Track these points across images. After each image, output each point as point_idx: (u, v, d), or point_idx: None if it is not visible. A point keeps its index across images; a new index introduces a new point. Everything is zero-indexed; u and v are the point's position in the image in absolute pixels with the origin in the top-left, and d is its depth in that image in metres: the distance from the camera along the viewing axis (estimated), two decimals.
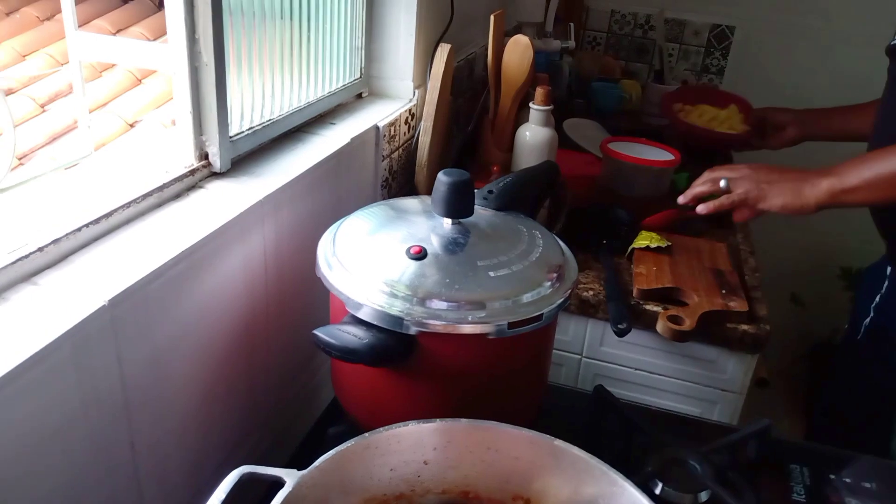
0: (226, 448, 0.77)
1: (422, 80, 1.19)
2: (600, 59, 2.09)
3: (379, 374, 0.70)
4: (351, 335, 0.65)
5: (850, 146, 1.30)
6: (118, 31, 1.41)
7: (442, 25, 1.22)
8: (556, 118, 1.29)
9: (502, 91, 1.29)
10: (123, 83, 1.26)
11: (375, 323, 0.66)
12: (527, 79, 1.26)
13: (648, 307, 1.08)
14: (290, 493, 0.51)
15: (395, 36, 1.15)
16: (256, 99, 0.85)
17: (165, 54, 0.72)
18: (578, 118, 1.72)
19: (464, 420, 0.61)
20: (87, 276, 0.58)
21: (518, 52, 1.25)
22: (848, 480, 0.80)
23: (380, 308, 0.65)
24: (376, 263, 0.69)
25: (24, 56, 1.34)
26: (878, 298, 1.27)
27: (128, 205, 0.66)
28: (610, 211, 1.30)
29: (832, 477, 0.81)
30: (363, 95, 1.15)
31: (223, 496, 0.51)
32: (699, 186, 1.16)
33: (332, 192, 0.92)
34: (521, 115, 1.30)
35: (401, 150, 1.15)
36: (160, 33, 0.69)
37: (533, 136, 1.23)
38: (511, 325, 0.66)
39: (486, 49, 1.28)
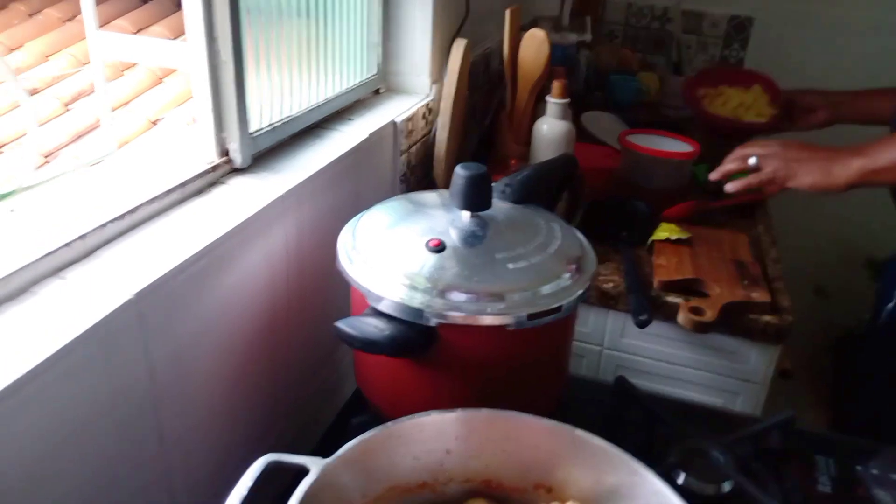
0: (252, 439, 0.78)
1: (438, 76, 1.19)
2: (618, 52, 2.08)
3: (400, 366, 0.70)
4: (372, 327, 0.65)
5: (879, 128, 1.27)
6: (139, 31, 1.43)
7: (458, 21, 1.23)
8: (574, 111, 1.29)
9: (519, 85, 1.29)
10: (145, 82, 1.28)
11: (396, 315, 0.66)
12: (543, 72, 1.25)
13: (669, 298, 1.07)
14: (315, 480, 0.52)
15: (412, 32, 1.15)
16: (275, 96, 0.86)
17: (185, 53, 0.73)
18: (596, 111, 1.71)
19: (485, 410, 0.61)
20: (113, 270, 0.59)
21: (534, 45, 1.25)
22: (875, 472, 0.79)
23: (400, 300, 0.66)
24: (396, 256, 0.69)
25: (48, 57, 1.36)
26: None
27: (151, 201, 0.67)
28: (629, 203, 1.29)
29: (858, 468, 0.80)
30: (380, 91, 1.16)
31: (250, 483, 0.51)
32: (729, 164, 1.15)
33: (352, 187, 0.92)
34: (538, 109, 1.30)
35: (419, 144, 1.16)
36: (180, 32, 0.70)
37: (550, 129, 1.22)
38: (530, 317, 0.66)
39: (503, 43, 1.28)
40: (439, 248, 0.69)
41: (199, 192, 0.74)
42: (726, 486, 0.74)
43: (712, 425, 0.86)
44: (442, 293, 0.66)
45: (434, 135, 1.17)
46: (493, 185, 0.75)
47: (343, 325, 0.66)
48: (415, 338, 0.66)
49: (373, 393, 0.77)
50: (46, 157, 1.07)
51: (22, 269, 0.54)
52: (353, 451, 0.56)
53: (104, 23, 1.42)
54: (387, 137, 1.02)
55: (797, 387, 2.05)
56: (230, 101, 0.76)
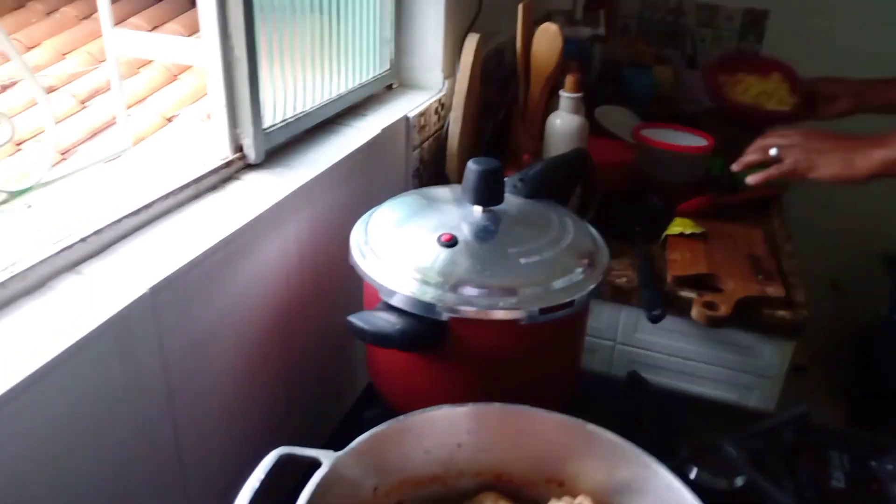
0: (264, 432, 0.79)
1: (451, 71, 1.19)
2: (632, 46, 2.06)
3: (412, 360, 0.71)
4: (384, 321, 0.66)
5: None
6: (154, 28, 1.44)
7: (470, 15, 1.23)
8: (587, 106, 1.28)
9: (532, 79, 1.29)
10: (160, 79, 1.29)
11: (408, 309, 0.66)
12: (556, 66, 1.25)
13: (683, 293, 1.07)
14: (327, 473, 0.52)
15: (424, 27, 1.15)
16: (288, 92, 0.86)
17: (199, 49, 0.74)
18: (610, 105, 1.70)
19: (496, 404, 0.61)
20: (129, 265, 0.59)
21: (547, 39, 1.24)
22: (890, 467, 0.79)
23: (412, 295, 0.66)
24: (408, 251, 0.69)
25: (65, 54, 1.38)
26: None
27: (166, 196, 0.68)
28: (643, 198, 1.29)
29: (873, 463, 0.79)
30: (393, 87, 1.16)
31: (262, 476, 0.52)
32: (750, 155, 1.13)
33: (365, 182, 0.93)
34: (551, 104, 1.29)
35: (431, 140, 1.16)
36: (195, 29, 0.71)
37: (563, 123, 1.22)
38: (542, 311, 0.66)
39: (516, 38, 1.27)
40: (451, 242, 0.69)
41: (214, 187, 0.75)
42: (739, 481, 0.73)
43: (725, 420, 0.85)
44: (454, 288, 0.66)
45: (447, 130, 1.18)
46: (505, 179, 0.75)
47: (355, 319, 0.66)
48: (426, 332, 0.66)
49: (385, 387, 0.77)
50: (63, 154, 1.08)
51: (39, 263, 0.55)
52: (365, 444, 0.56)
53: (120, 20, 1.43)
54: (399, 133, 1.03)
55: (813, 382, 2.04)
56: (244, 97, 0.76)
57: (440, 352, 0.68)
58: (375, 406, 0.79)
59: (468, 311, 0.65)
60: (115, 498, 0.58)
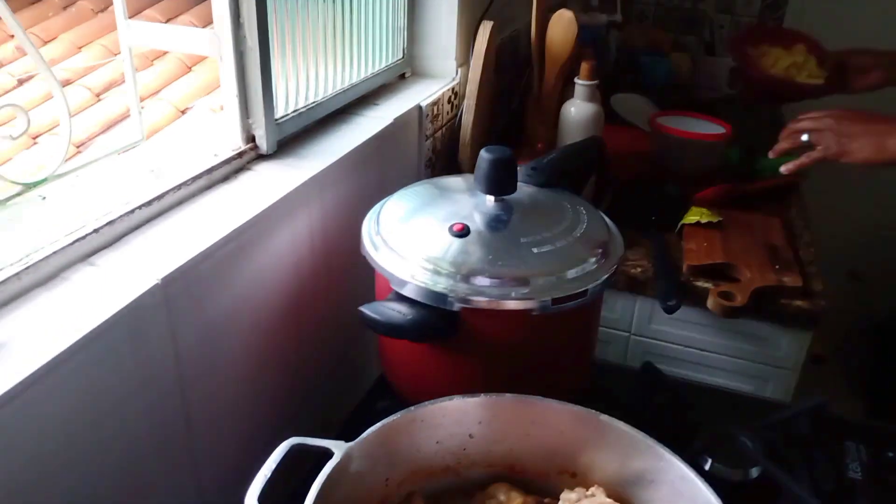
0: (277, 423, 0.79)
1: (464, 59, 1.19)
2: (648, 33, 2.04)
3: (424, 350, 0.71)
4: (396, 311, 0.65)
5: None
6: (168, 20, 1.44)
7: (484, 3, 1.21)
8: (603, 94, 1.27)
9: (546, 67, 1.28)
10: (174, 71, 1.29)
11: (420, 300, 0.66)
12: (571, 54, 1.24)
13: (699, 283, 1.06)
14: (338, 463, 0.52)
15: (437, 15, 1.14)
16: (300, 81, 0.86)
17: (211, 40, 0.74)
18: (626, 93, 1.68)
19: (508, 395, 0.61)
20: (142, 255, 0.60)
21: (562, 26, 1.23)
22: None
23: (423, 285, 0.66)
24: (420, 241, 0.69)
25: (80, 48, 1.39)
26: None
27: (178, 187, 0.68)
28: (659, 186, 1.27)
29: (890, 454, 0.78)
30: (406, 76, 1.16)
31: (274, 465, 0.52)
32: (783, 142, 1.11)
33: (377, 172, 0.92)
34: (566, 92, 1.28)
35: (444, 129, 1.15)
36: (209, 21, 0.71)
37: (578, 111, 1.21)
38: (555, 302, 0.66)
39: (530, 25, 1.26)
40: (463, 232, 0.69)
41: (226, 178, 0.75)
42: (754, 472, 0.73)
43: (741, 411, 0.85)
44: (466, 278, 0.66)
45: (460, 119, 1.17)
46: (518, 168, 0.75)
47: (367, 309, 0.66)
48: (438, 322, 0.66)
49: (397, 378, 0.77)
50: (78, 146, 1.09)
51: (53, 255, 0.56)
52: (377, 434, 0.56)
53: (135, 13, 1.44)
54: (412, 122, 1.02)
55: (830, 373, 2.01)
56: (256, 87, 0.76)
57: (452, 342, 0.68)
58: (387, 397, 0.79)
59: (480, 301, 0.65)
60: (129, 487, 0.58)
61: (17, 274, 0.53)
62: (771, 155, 1.12)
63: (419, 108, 1.03)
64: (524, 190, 0.78)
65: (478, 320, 0.67)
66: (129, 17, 0.73)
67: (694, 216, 1.17)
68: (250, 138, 0.79)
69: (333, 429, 0.83)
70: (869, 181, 1.13)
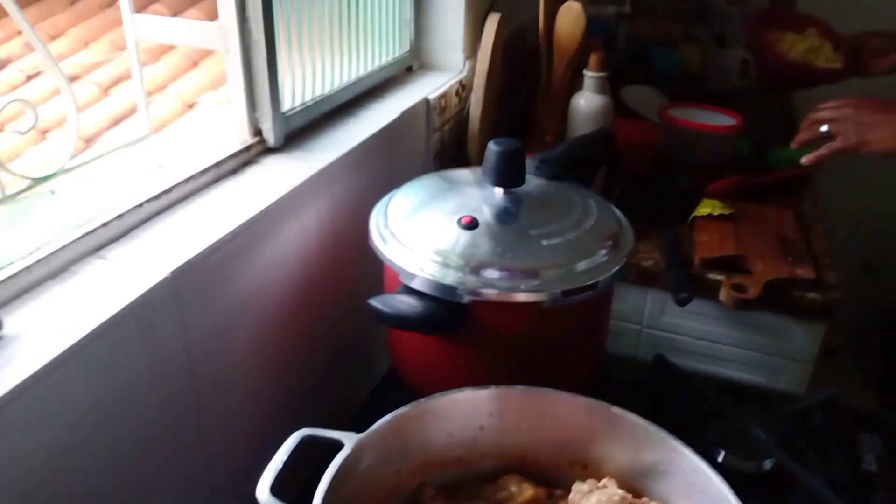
0: (288, 415, 0.79)
1: (472, 52, 1.18)
2: (658, 24, 2.02)
3: (434, 343, 0.70)
4: (405, 304, 0.65)
5: None
6: (174, 15, 1.45)
7: None
8: (613, 86, 1.26)
9: (555, 59, 1.27)
10: (180, 66, 1.30)
11: (429, 292, 0.66)
12: (579, 45, 1.23)
13: (711, 276, 1.05)
14: (349, 455, 0.52)
15: (445, 7, 1.14)
16: (307, 75, 0.86)
17: (217, 33, 0.74)
18: (636, 85, 1.67)
19: (519, 387, 0.61)
20: (151, 249, 0.60)
21: (570, 18, 1.22)
22: None
23: (432, 278, 0.66)
24: (428, 234, 0.69)
25: (87, 43, 1.39)
26: None
27: (186, 181, 0.68)
28: (670, 179, 1.26)
29: None
30: (413, 68, 1.15)
31: (285, 456, 0.52)
32: (803, 133, 1.09)
33: (385, 166, 0.92)
34: (575, 84, 1.27)
35: (452, 122, 1.15)
36: (214, 16, 0.71)
37: (587, 103, 1.20)
38: (565, 294, 0.65)
39: (538, 17, 1.25)
40: (472, 225, 0.68)
41: (234, 171, 0.75)
42: (768, 464, 0.72)
43: (754, 403, 0.84)
44: (475, 270, 0.66)
45: (467, 112, 1.16)
46: (527, 161, 0.74)
47: (376, 302, 0.66)
48: (448, 315, 0.66)
49: (407, 370, 0.77)
50: (87, 141, 1.09)
51: (63, 248, 0.56)
52: (387, 426, 0.56)
53: (141, 8, 1.44)
54: (419, 115, 1.02)
55: (845, 365, 2.00)
56: (262, 80, 0.76)
57: (462, 335, 0.68)
58: (398, 389, 0.79)
59: (489, 293, 0.65)
60: (141, 478, 0.58)
61: (28, 267, 0.53)
62: (793, 146, 1.10)
63: (427, 101, 1.03)
64: (533, 182, 0.77)
65: (487, 313, 0.67)
66: (135, 12, 0.73)
67: (706, 208, 1.16)
68: (257, 132, 0.79)
69: (344, 421, 0.83)
70: (884, 172, 1.11)
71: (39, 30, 1.43)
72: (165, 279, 0.56)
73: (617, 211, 0.78)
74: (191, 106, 1.20)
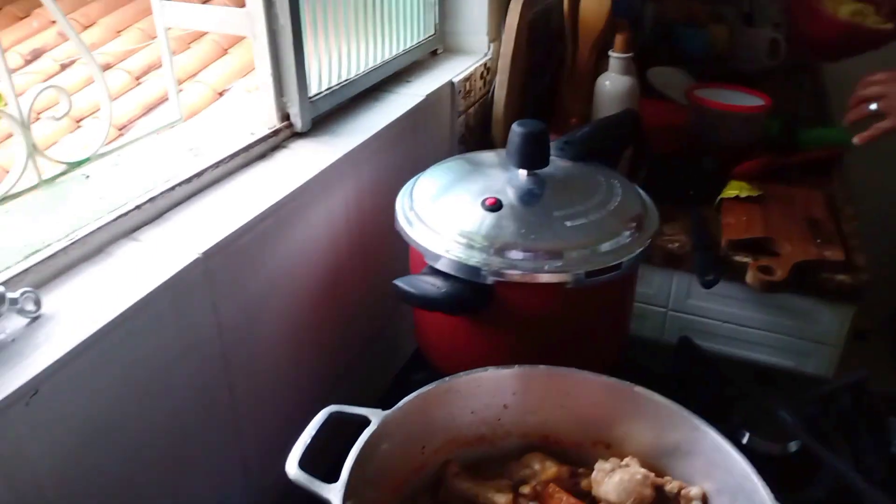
0: (317, 393, 0.81)
1: (496, 34, 1.18)
2: (685, 3, 1.99)
3: (458, 323, 0.71)
4: (430, 285, 0.66)
5: None
6: (203, 2, 1.46)
7: None
8: (639, 67, 1.25)
9: (580, 40, 1.26)
10: (210, 53, 1.31)
11: (453, 273, 0.67)
12: (605, 26, 1.22)
13: (738, 258, 1.04)
14: (375, 431, 0.54)
15: None
16: (333, 59, 0.86)
17: (244, 19, 0.75)
18: (663, 66, 1.65)
19: (542, 366, 0.61)
20: (183, 231, 0.61)
21: None
22: None
23: (457, 259, 0.66)
24: (453, 216, 0.70)
25: (119, 32, 1.41)
26: None
27: (216, 165, 0.70)
28: (697, 160, 1.25)
29: None
30: (438, 52, 1.15)
31: (313, 432, 0.54)
32: (852, 112, 1.03)
33: (410, 149, 0.93)
34: (600, 65, 1.26)
35: (477, 105, 1.15)
36: (242, 2, 0.72)
37: (613, 85, 1.19)
38: (588, 275, 0.66)
39: None
40: (496, 206, 0.69)
41: (262, 155, 0.76)
42: (793, 447, 0.72)
43: (780, 386, 0.84)
44: (499, 251, 0.66)
45: (492, 94, 1.16)
46: (551, 142, 0.74)
47: (401, 283, 0.67)
48: (472, 296, 0.66)
49: (432, 351, 0.78)
50: (120, 129, 1.11)
51: (97, 230, 0.58)
52: (413, 403, 0.57)
53: None
54: (444, 98, 1.02)
55: (874, 349, 1.97)
56: (289, 65, 0.77)
57: (486, 315, 0.69)
58: (423, 369, 0.80)
59: (513, 274, 0.65)
60: (175, 456, 0.60)
61: (64, 249, 0.55)
62: (844, 123, 1.06)
63: (451, 84, 1.03)
64: (557, 164, 0.77)
65: (511, 293, 0.67)
66: (164, 0, 0.75)
67: (733, 190, 1.15)
68: (285, 116, 0.80)
69: (371, 402, 0.84)
70: None
71: (72, 19, 1.45)
72: (197, 260, 0.58)
73: (642, 192, 0.78)
74: (221, 93, 1.21)
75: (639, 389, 0.60)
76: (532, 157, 0.72)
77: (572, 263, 0.66)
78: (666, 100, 1.51)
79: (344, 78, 0.89)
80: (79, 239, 0.56)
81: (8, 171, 0.55)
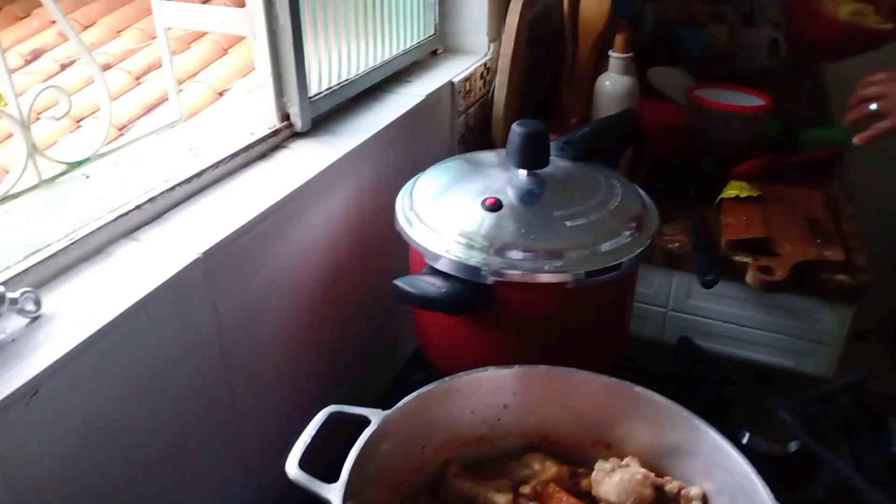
0: (317, 393, 0.81)
1: (496, 34, 1.18)
2: (685, 3, 1.99)
3: (458, 323, 0.71)
4: (430, 285, 0.66)
5: None
6: (202, 2, 1.46)
7: None
8: (639, 67, 1.25)
9: (580, 40, 1.26)
10: (210, 54, 1.31)
11: (453, 273, 0.67)
12: (605, 26, 1.22)
13: (738, 258, 1.04)
14: (375, 431, 0.54)
15: None
16: (333, 59, 0.86)
17: (245, 19, 0.75)
18: (663, 66, 1.65)
19: (542, 366, 0.61)
20: (182, 231, 0.61)
21: None
22: None
23: (457, 259, 0.66)
24: (453, 216, 0.70)
25: (119, 32, 1.41)
26: None
27: (216, 165, 0.70)
28: (697, 160, 1.25)
29: None
30: (438, 52, 1.15)
31: (313, 432, 0.54)
32: (851, 112, 1.03)
33: (410, 149, 0.93)
34: (600, 65, 1.26)
35: (477, 105, 1.15)
36: (242, 2, 0.72)
37: (613, 85, 1.19)
38: (588, 275, 0.66)
39: None
40: (496, 206, 0.69)
41: (262, 155, 0.76)
42: (793, 447, 0.72)
43: (780, 386, 0.84)
44: (499, 251, 0.66)
45: (492, 95, 1.16)
46: (551, 142, 0.74)
47: (401, 283, 0.67)
48: (472, 296, 0.66)
49: (432, 351, 0.78)
50: (120, 129, 1.11)
51: (97, 230, 0.58)
52: (413, 403, 0.57)
53: None
54: (444, 98, 1.02)
55: (874, 349, 1.97)
56: (289, 65, 0.77)
57: (486, 315, 0.69)
58: (423, 370, 0.80)
59: (513, 274, 0.65)
60: (175, 455, 0.60)
61: (64, 249, 0.55)
62: (844, 123, 1.06)
63: (451, 84, 1.03)
64: (557, 164, 0.77)
65: (511, 293, 0.67)
66: (164, 0, 0.75)
67: (733, 190, 1.15)
68: (285, 116, 0.80)
69: (371, 402, 0.84)
70: None
71: (72, 19, 1.45)
72: (197, 260, 0.58)
73: (642, 192, 0.78)
74: (221, 93, 1.21)
75: (639, 389, 0.60)
76: (532, 157, 0.72)
77: (572, 263, 0.66)
78: (666, 100, 1.51)
79: (344, 78, 0.89)
80: (79, 239, 0.56)
81: (8, 171, 0.55)
